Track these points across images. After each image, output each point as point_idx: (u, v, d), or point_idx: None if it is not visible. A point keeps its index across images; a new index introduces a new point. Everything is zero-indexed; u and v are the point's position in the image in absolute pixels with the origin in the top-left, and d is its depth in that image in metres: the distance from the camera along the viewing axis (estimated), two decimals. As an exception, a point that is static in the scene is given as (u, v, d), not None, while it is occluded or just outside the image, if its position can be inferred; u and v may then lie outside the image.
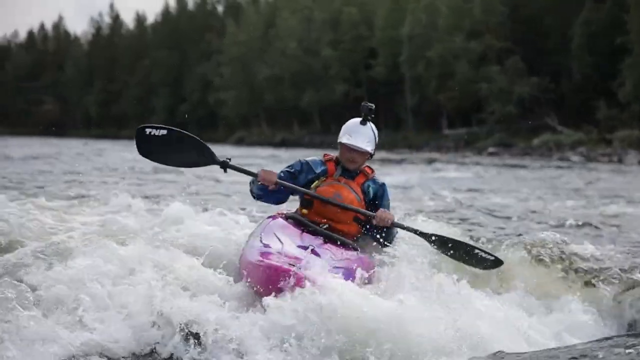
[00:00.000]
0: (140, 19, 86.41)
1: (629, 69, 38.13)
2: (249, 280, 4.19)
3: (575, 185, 17.71)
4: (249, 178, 5.26)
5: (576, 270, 5.94)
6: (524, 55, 44.29)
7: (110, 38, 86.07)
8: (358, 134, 5.28)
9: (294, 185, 5.23)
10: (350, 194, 5.23)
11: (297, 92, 56.72)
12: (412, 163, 28.95)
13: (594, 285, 5.60)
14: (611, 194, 14.95)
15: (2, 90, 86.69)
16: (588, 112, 40.20)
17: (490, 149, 39.10)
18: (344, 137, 5.31)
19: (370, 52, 53.50)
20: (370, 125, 5.32)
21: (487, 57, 46.02)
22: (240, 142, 55.55)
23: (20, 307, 3.80)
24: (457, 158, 34.31)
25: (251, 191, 5.30)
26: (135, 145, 5.06)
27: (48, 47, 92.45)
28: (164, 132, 5.00)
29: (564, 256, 6.25)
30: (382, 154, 37.54)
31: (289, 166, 5.37)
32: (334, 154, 5.53)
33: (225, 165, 5.21)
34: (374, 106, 5.36)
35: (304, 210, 5.19)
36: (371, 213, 5.18)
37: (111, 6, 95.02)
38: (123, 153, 27.35)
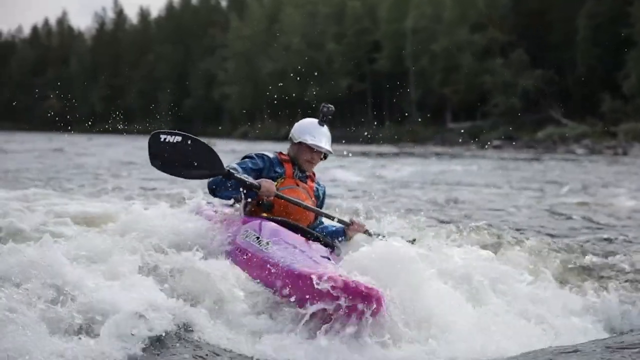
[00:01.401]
0: (144, 14, 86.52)
1: (633, 62, 38.02)
2: (310, 298, 3.71)
3: (581, 178, 17.69)
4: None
5: (575, 267, 5.95)
6: (528, 48, 44.19)
7: (114, 33, 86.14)
8: (321, 134, 5.10)
9: (293, 199, 4.96)
10: (308, 200, 5.11)
11: (301, 86, 56.65)
12: (416, 156, 28.92)
13: (593, 281, 5.60)
14: (616, 187, 14.95)
15: (6, 85, 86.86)
16: (593, 104, 40.12)
17: (495, 142, 39.02)
18: (306, 137, 5.07)
19: (374, 46, 53.45)
20: (326, 127, 5.17)
21: (491, 50, 45.94)
22: (244, 136, 55.57)
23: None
24: (461, 151, 34.28)
25: (215, 187, 4.85)
26: (147, 154, 4.71)
27: (52, 43, 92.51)
28: (179, 138, 4.67)
29: (563, 253, 6.28)
30: (385, 148, 37.54)
31: (251, 161, 5.03)
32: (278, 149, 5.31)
33: (230, 176, 4.79)
34: (333, 108, 5.19)
35: (264, 213, 4.92)
36: (347, 221, 5.12)
37: (115, 1, 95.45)
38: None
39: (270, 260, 4.19)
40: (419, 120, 49.74)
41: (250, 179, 4.83)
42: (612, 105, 38.42)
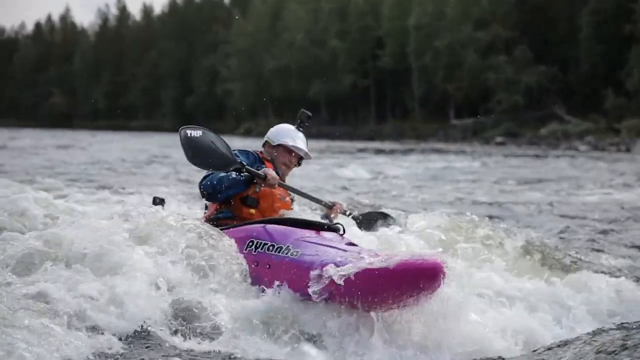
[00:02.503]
0: (147, 11, 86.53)
1: (636, 58, 37.98)
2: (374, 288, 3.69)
3: (584, 175, 17.70)
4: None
5: (574, 265, 5.97)
6: (531, 45, 44.16)
7: (118, 30, 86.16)
8: (300, 139, 5.09)
9: (297, 189, 5.02)
10: (288, 197, 5.07)
11: (305, 83, 56.72)
12: (418, 153, 28.94)
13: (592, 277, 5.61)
14: (618, 183, 14.97)
15: (10, 82, 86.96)
16: (596, 101, 40.08)
17: (498, 139, 39.05)
18: (286, 140, 5.04)
19: (378, 43, 53.44)
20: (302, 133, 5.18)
21: (494, 47, 45.90)
22: (248, 133, 55.56)
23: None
24: (464, 148, 34.28)
25: (213, 190, 4.70)
26: (182, 151, 4.68)
27: (55, 39, 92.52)
28: (200, 132, 4.70)
29: (562, 250, 6.30)
30: (389, 144, 37.55)
31: (244, 154, 4.93)
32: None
33: (242, 168, 4.70)
34: (311, 115, 5.22)
35: (252, 210, 4.78)
36: (329, 203, 5.26)
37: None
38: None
39: (305, 264, 4.03)
40: (422, 117, 49.79)
41: (254, 170, 4.75)
42: (615, 102, 38.39)
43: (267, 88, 60.80)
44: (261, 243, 4.32)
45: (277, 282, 4.06)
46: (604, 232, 8.22)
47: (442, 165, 21.15)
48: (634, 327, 3.63)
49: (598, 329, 3.87)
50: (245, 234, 4.45)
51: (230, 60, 65.07)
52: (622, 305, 4.90)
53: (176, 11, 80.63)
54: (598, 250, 6.62)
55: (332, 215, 5.22)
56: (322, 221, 4.73)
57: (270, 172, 4.73)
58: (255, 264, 4.27)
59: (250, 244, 4.35)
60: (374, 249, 4.77)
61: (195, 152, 4.68)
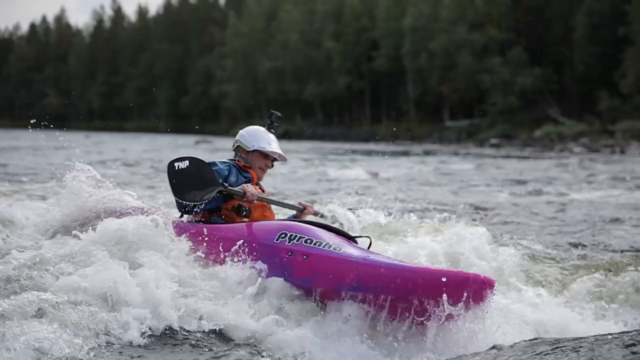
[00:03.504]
0: (142, 11, 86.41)
1: (631, 60, 38.07)
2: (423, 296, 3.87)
3: (577, 176, 17.72)
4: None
5: (574, 263, 5.97)
6: (526, 46, 44.23)
7: (112, 30, 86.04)
8: (274, 141, 5.08)
9: (275, 199, 5.14)
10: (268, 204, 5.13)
11: (300, 84, 56.71)
12: (413, 155, 28.95)
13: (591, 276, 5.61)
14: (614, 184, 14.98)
15: (5, 83, 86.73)
16: (590, 103, 40.16)
17: (493, 141, 39.07)
18: (263, 145, 5.04)
19: (373, 44, 53.45)
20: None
21: (489, 49, 45.95)
22: (242, 134, 55.58)
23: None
24: (459, 150, 34.30)
25: (189, 206, 4.74)
26: (170, 188, 4.80)
27: (50, 40, 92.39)
28: (187, 163, 4.77)
29: (562, 249, 6.28)
30: (383, 146, 37.57)
31: (217, 169, 4.93)
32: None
33: (224, 190, 4.79)
34: (280, 115, 5.23)
35: (245, 220, 4.86)
36: (300, 207, 5.29)
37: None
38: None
39: (352, 259, 4.19)
40: (417, 118, 49.80)
41: (234, 189, 4.82)
42: (609, 103, 38.46)
43: (262, 89, 60.78)
44: (296, 236, 4.45)
45: (314, 273, 4.23)
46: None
47: (433, 167, 21.16)
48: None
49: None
50: (275, 227, 4.57)
51: (225, 61, 65.01)
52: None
53: (171, 12, 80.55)
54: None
55: (304, 218, 5.25)
56: (338, 228, 4.83)
57: (249, 189, 4.80)
58: (289, 253, 4.37)
59: (283, 235, 4.46)
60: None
61: (180, 186, 4.75)
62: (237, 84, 62.66)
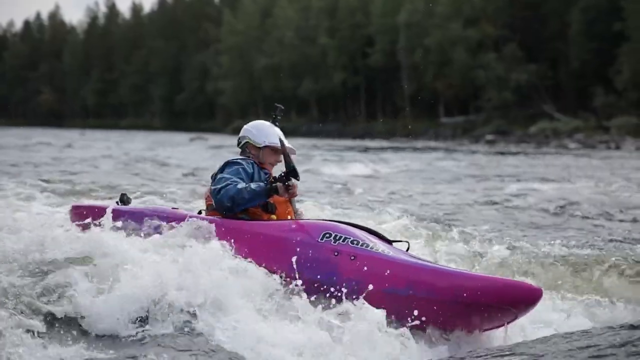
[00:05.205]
0: (136, 8, 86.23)
1: (626, 56, 38.11)
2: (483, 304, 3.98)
3: (573, 172, 17.73)
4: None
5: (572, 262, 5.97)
6: (522, 42, 44.23)
7: (107, 27, 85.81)
8: (281, 135, 4.95)
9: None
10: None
11: (295, 80, 56.66)
12: (409, 151, 28.93)
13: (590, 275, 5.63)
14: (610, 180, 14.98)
15: (0, 81, 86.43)
16: (586, 99, 40.21)
17: (488, 137, 39.11)
18: (273, 140, 4.94)
19: (368, 40, 53.41)
20: None
21: (484, 45, 45.95)
22: (238, 131, 55.29)
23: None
24: (454, 146, 34.31)
25: (233, 199, 4.65)
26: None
27: (44, 37, 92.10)
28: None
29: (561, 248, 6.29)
30: (379, 142, 37.56)
31: (241, 168, 4.84)
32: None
33: (274, 188, 4.76)
34: (284, 108, 5.18)
35: (273, 217, 4.79)
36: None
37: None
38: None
39: (404, 263, 4.27)
40: (413, 115, 49.79)
41: (275, 187, 4.74)
42: (605, 99, 38.51)
43: (258, 86, 60.72)
44: (341, 236, 4.45)
45: (364, 274, 4.23)
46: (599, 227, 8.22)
47: (427, 163, 21.16)
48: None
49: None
50: (317, 226, 4.55)
51: (220, 58, 64.91)
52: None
53: (165, 9, 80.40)
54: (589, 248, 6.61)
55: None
56: (376, 230, 4.80)
57: (280, 186, 4.71)
58: (335, 253, 4.37)
59: (328, 235, 4.46)
60: None
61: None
62: (233, 80, 62.60)
